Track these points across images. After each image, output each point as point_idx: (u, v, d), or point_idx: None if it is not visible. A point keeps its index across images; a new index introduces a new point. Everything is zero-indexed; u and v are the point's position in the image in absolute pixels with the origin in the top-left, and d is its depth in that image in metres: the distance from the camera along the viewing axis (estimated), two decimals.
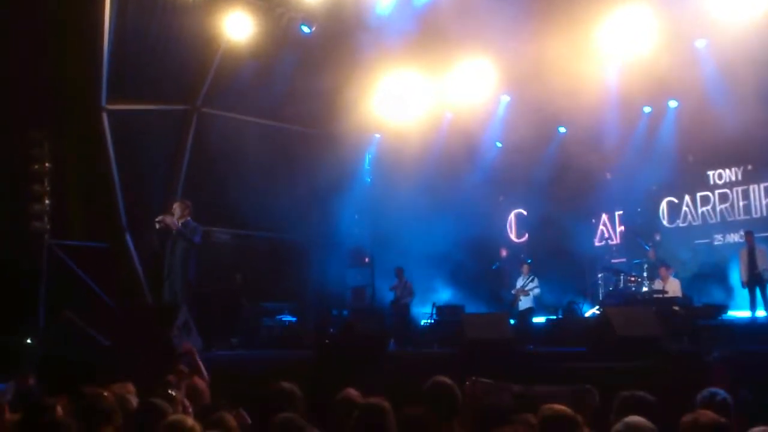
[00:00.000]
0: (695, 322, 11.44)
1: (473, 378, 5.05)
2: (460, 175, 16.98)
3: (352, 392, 5.25)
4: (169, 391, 5.47)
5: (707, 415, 3.93)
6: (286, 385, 4.94)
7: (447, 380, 4.52)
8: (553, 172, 16.18)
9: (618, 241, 16.42)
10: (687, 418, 4.08)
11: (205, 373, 6.67)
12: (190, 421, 3.92)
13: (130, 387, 6.20)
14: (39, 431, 3.95)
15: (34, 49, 13.55)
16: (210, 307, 13.45)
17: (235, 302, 14.93)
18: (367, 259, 18.05)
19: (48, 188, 14.08)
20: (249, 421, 4.96)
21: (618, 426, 3.70)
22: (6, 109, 14.15)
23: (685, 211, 15.73)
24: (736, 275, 13.32)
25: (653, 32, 13.41)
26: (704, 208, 15.49)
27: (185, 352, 6.99)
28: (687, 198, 15.71)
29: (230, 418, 4.34)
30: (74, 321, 11.31)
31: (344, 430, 4.22)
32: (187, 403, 5.49)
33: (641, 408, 4.34)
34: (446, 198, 16.79)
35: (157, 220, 11.78)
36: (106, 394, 4.82)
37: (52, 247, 14.15)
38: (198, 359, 6.86)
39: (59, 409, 4.30)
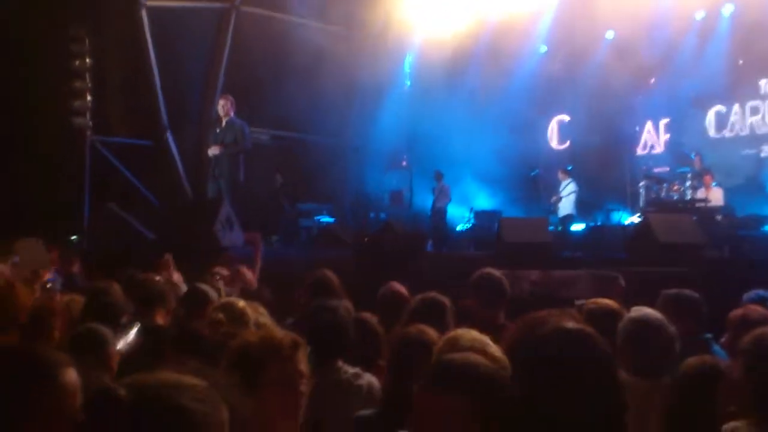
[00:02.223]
0: (737, 232, 11.31)
1: (486, 270, 4.95)
2: (502, 79, 16.64)
3: (397, 285, 5.32)
4: (216, 279, 5.61)
5: (757, 310, 3.92)
6: (326, 272, 5.04)
7: (495, 272, 4.53)
8: (599, 78, 15.76)
9: (662, 149, 16.11)
10: (735, 312, 4.08)
11: (259, 265, 6.80)
12: (241, 303, 4.00)
13: (177, 275, 6.37)
14: (102, 310, 4.07)
15: None
16: (251, 204, 13.60)
17: (275, 202, 15.08)
18: (405, 163, 17.99)
19: (89, 84, 14.12)
20: None
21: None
22: (46, 4, 14.09)
23: (733, 121, 15.32)
24: None
25: None
26: (753, 118, 15.05)
27: (248, 241, 7.14)
28: (736, 107, 15.27)
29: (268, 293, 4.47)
30: (118, 214, 11.53)
31: (392, 319, 4.27)
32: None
33: (688, 305, 4.34)
34: (486, 102, 16.54)
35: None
36: (158, 278, 4.94)
37: (94, 143, 14.31)
38: (259, 251, 6.99)
39: (118, 290, 4.43)
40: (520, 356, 2.10)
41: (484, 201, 17.03)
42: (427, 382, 2.06)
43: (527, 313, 2.24)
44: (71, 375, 1.97)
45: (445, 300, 4.17)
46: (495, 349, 2.64)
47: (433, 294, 4.24)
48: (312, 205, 16.21)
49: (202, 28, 15.65)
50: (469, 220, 15.91)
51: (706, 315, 4.42)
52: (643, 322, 3.55)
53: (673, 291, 4.50)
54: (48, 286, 5.64)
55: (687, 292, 4.47)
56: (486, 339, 2.74)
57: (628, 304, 3.97)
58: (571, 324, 2.07)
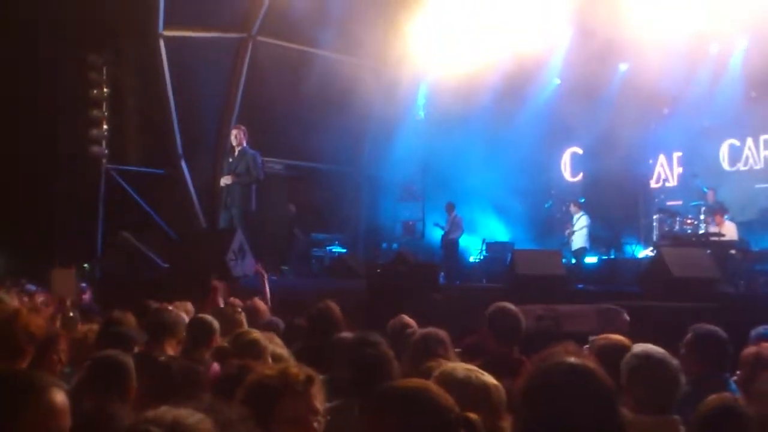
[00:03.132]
0: (752, 266, 11.22)
1: (501, 304, 4.99)
2: (516, 110, 16.70)
3: (407, 318, 5.33)
4: (238, 311, 5.62)
5: None
6: (329, 303, 5.06)
7: (510, 306, 4.52)
8: (611, 111, 15.78)
9: (675, 182, 16.06)
10: (749, 350, 4.05)
11: (268, 294, 6.82)
12: (255, 334, 4.01)
13: (189, 306, 6.38)
14: (115, 339, 4.09)
15: None
16: (263, 234, 13.64)
17: (287, 231, 15.11)
18: (418, 194, 18.03)
19: (106, 113, 14.30)
20: None
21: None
22: (65, 33, 14.31)
23: (747, 155, 15.27)
24: None
25: None
26: (767, 152, 15.01)
27: (256, 272, 7.17)
28: (749, 140, 15.23)
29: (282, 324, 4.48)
30: (131, 243, 11.60)
31: (400, 351, 4.30)
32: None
33: (715, 344, 4.31)
34: (500, 133, 16.56)
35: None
36: (170, 308, 4.95)
37: (109, 171, 14.43)
38: (266, 281, 7.01)
39: (132, 320, 4.45)
40: (527, 388, 2.16)
41: (497, 232, 17.00)
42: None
43: (532, 347, 2.31)
44: (59, 396, 2.11)
45: (445, 335, 4.27)
46: (488, 378, 2.73)
47: (433, 330, 4.35)
48: (324, 235, 16.23)
49: (219, 58, 15.82)
50: (481, 252, 15.87)
51: (731, 355, 4.38)
52: (645, 358, 3.53)
53: (703, 329, 4.49)
54: (71, 315, 5.67)
55: (715, 331, 4.47)
56: (478, 370, 2.79)
57: (641, 338, 3.95)
58: (573, 358, 2.13)
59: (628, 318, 5.29)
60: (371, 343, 3.62)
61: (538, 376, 2.12)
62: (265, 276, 7.29)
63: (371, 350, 3.58)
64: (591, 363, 2.13)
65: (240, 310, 5.64)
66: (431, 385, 2.28)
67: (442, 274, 13.49)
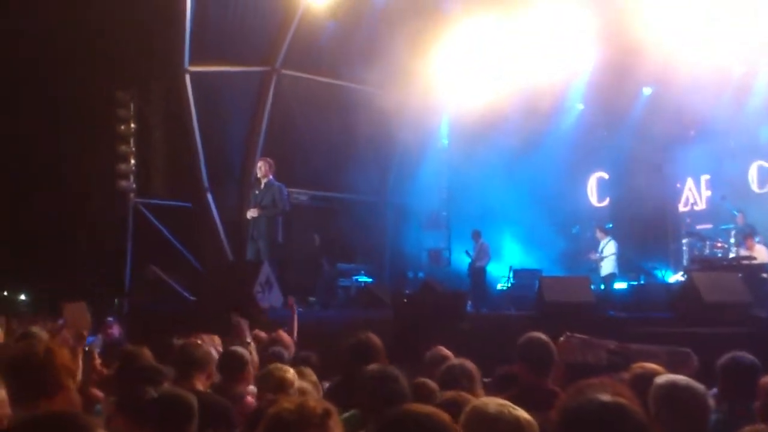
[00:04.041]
0: None
1: (567, 333, 5.01)
2: (540, 136, 16.67)
3: (443, 350, 5.31)
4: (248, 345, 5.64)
5: None
6: (370, 335, 5.03)
7: (542, 336, 4.48)
8: (636, 135, 15.71)
9: (704, 206, 15.88)
10: (766, 380, 4.09)
11: (296, 329, 6.82)
12: (284, 369, 4.01)
13: (217, 339, 6.39)
14: (137, 375, 4.09)
15: (120, 14, 13.87)
16: (289, 265, 13.68)
17: (313, 262, 15.14)
18: (443, 222, 18.00)
19: (133, 148, 14.49)
20: None
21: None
22: (93, 71, 14.59)
23: None
24: None
25: None
26: None
27: (287, 306, 7.19)
28: None
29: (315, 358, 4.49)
30: (159, 276, 11.68)
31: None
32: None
33: (748, 372, 4.31)
34: (525, 159, 16.52)
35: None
36: (199, 342, 4.96)
37: (137, 205, 14.58)
38: (295, 314, 7.02)
39: (149, 355, 4.45)
40: (560, 425, 2.18)
41: (524, 259, 16.88)
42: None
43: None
44: None
45: (473, 367, 4.36)
46: (520, 413, 2.72)
47: (460, 361, 4.40)
48: (350, 265, 16.24)
49: (244, 91, 16.00)
50: (508, 279, 15.76)
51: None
52: (671, 387, 3.52)
53: (735, 356, 4.50)
54: (86, 348, 5.69)
55: (749, 359, 4.46)
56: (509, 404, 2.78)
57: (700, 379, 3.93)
58: (606, 396, 2.14)
59: (697, 361, 5.29)
60: (392, 377, 3.64)
61: (571, 414, 2.12)
62: (294, 308, 7.33)
63: (393, 384, 3.59)
64: (623, 399, 2.13)
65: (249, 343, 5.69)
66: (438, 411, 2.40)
67: (469, 302, 13.41)
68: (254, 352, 5.52)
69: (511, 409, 2.73)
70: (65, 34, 14.51)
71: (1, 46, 14.18)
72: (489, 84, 16.86)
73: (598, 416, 2.07)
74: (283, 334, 6.37)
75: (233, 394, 4.60)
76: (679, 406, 3.42)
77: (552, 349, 4.48)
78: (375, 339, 4.90)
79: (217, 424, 3.73)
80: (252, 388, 4.81)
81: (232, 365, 4.96)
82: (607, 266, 14.50)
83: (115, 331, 9.80)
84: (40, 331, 6.00)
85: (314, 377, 4.87)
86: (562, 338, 5.26)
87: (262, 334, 6.75)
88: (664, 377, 3.66)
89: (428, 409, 2.43)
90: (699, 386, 3.53)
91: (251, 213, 12.11)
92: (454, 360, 4.64)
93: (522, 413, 2.71)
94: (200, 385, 4.48)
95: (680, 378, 3.61)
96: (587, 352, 5.08)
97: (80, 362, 5.04)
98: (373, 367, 3.83)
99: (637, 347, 5.52)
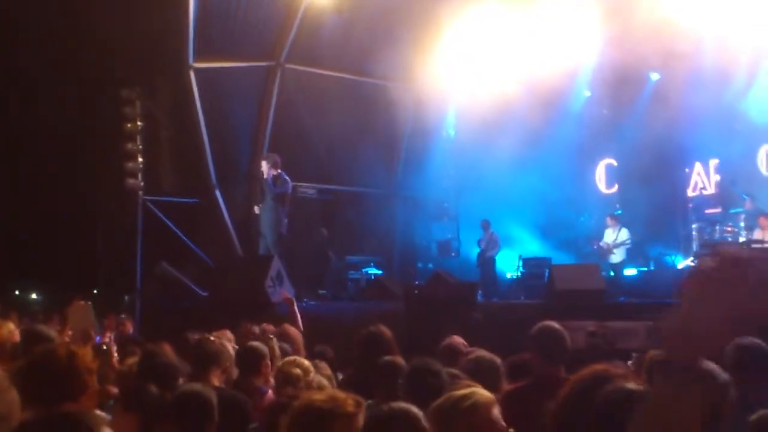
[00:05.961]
0: None
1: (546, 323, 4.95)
2: (547, 124, 16.60)
3: (459, 339, 5.31)
4: (269, 338, 5.63)
5: None
6: (381, 327, 5.04)
7: (555, 325, 4.47)
8: (644, 120, 15.64)
9: (713, 190, 15.80)
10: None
11: (300, 321, 6.82)
12: (306, 362, 4.02)
13: (229, 334, 6.40)
14: (156, 372, 4.11)
15: (124, 12, 13.90)
16: (298, 259, 13.70)
17: (322, 255, 15.15)
18: (451, 212, 17.98)
19: (140, 146, 14.52)
20: None
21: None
22: (99, 70, 14.63)
23: None
24: None
25: None
26: None
27: (284, 300, 7.18)
28: None
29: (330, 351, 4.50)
30: (170, 273, 11.71)
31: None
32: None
33: (758, 355, 4.26)
34: (532, 148, 16.46)
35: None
36: (212, 338, 4.97)
37: (146, 203, 14.62)
38: (296, 308, 7.02)
39: (170, 352, 4.46)
40: (574, 414, 2.12)
41: (533, 247, 16.85)
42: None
43: (582, 364, 2.27)
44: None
45: (497, 360, 4.32)
46: None
47: (483, 353, 4.36)
48: (359, 257, 16.24)
49: (249, 87, 16.00)
50: (518, 268, 15.74)
51: None
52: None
53: (744, 340, 4.43)
54: (104, 348, 5.71)
55: (757, 343, 4.41)
56: None
57: None
58: (632, 385, 2.09)
59: None
60: (433, 372, 3.64)
61: (594, 405, 2.08)
62: (293, 302, 7.30)
63: (433, 380, 3.58)
64: (633, 384, 2.10)
65: (271, 336, 5.68)
66: None
67: (480, 292, 13.42)
68: (276, 347, 5.51)
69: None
70: (70, 33, 14.54)
71: (6, 45, 14.22)
72: (495, 73, 16.80)
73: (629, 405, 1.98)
74: (290, 328, 6.37)
75: (251, 389, 4.61)
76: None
77: (565, 337, 4.47)
78: (386, 331, 4.91)
79: (233, 418, 3.74)
80: (271, 382, 4.82)
81: (250, 360, 4.97)
82: (620, 253, 14.46)
83: (128, 327, 9.86)
84: (48, 330, 6.01)
85: (329, 371, 4.88)
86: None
87: (270, 328, 6.76)
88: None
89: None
90: (722, 374, 3.50)
91: (257, 208, 12.12)
92: (481, 351, 4.58)
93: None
94: (216, 380, 4.48)
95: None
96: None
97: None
98: (415, 361, 3.82)
99: (617, 325, 5.48)
